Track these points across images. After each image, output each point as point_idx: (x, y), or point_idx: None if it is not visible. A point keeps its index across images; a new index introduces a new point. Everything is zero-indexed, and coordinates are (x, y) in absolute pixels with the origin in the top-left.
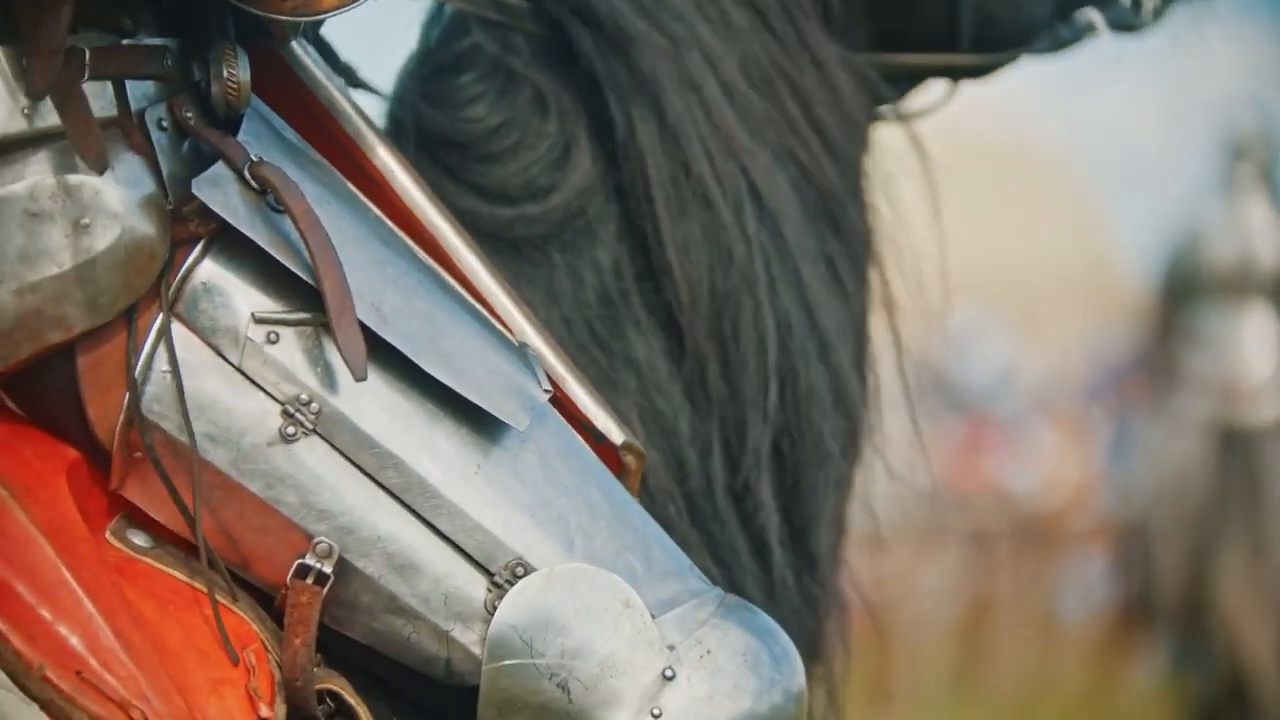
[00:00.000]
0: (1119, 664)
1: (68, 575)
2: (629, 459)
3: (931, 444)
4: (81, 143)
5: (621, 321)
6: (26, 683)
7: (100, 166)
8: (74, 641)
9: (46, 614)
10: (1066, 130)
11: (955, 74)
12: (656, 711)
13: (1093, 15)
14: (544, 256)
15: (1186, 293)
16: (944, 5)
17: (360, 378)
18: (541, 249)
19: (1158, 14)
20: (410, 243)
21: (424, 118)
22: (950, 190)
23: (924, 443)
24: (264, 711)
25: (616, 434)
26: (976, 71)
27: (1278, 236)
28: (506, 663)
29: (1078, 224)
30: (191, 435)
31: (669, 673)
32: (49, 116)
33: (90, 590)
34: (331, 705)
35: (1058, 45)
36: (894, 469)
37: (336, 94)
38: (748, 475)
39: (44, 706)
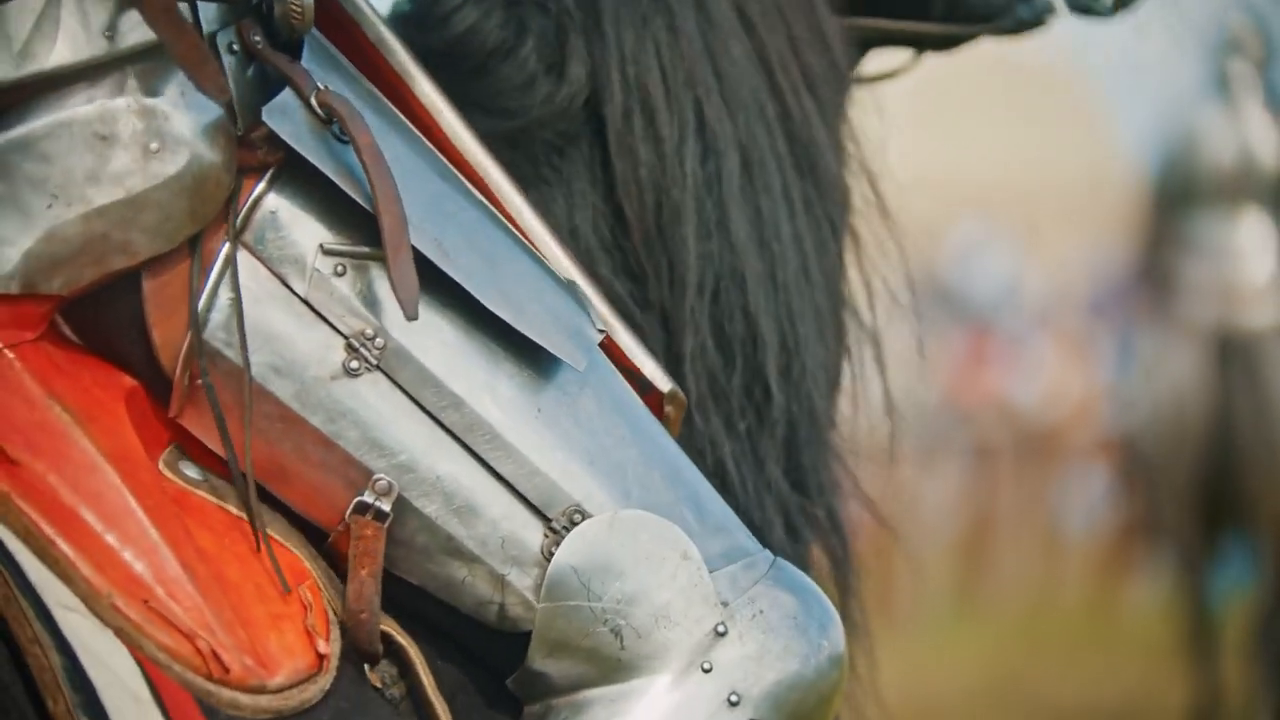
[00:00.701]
0: (1121, 579)
1: (133, 503)
2: (670, 409)
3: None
4: (198, 71)
5: (594, 254)
6: (96, 608)
7: (221, 93)
8: (140, 570)
9: (113, 542)
10: (1064, 39)
11: (920, 43)
12: (707, 666)
13: None
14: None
15: (1183, 199)
16: None
17: (411, 316)
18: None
19: (1121, 2)
20: (462, 179)
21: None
22: (951, 107)
23: (927, 358)
24: (322, 648)
25: (663, 381)
26: (941, 43)
27: (1274, 139)
28: (562, 603)
29: (1079, 138)
30: (247, 364)
31: (721, 629)
32: (129, 37)
33: (155, 519)
34: (381, 645)
35: (1018, 26)
36: (896, 385)
37: (383, 27)
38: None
39: (115, 634)
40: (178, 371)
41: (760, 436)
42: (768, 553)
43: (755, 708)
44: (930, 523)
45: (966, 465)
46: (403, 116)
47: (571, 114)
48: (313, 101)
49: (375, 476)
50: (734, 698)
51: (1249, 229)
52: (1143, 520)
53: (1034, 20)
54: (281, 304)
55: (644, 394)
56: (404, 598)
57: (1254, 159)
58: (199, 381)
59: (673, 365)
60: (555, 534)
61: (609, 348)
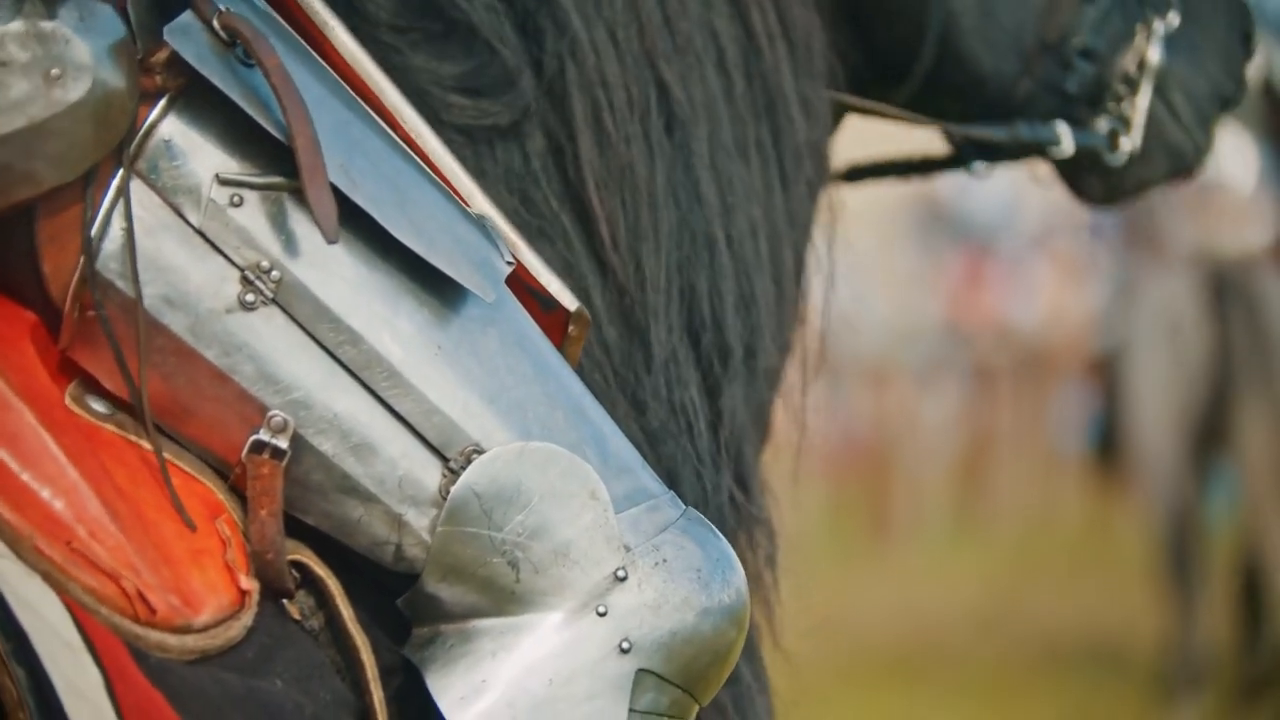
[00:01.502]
0: (1117, 501)
1: (49, 441)
2: (574, 328)
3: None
4: None
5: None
6: (19, 551)
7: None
8: (60, 510)
9: (31, 481)
10: None
11: (903, 168)
12: (602, 609)
13: (1062, 130)
14: (469, 141)
15: None
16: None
17: (332, 240)
18: (468, 133)
19: (1131, 160)
20: (369, 109)
21: None
22: None
23: (926, 279)
24: (244, 583)
25: (569, 299)
26: (926, 167)
27: (1255, 60)
28: (461, 529)
29: None
30: (139, 295)
31: (621, 573)
32: None
33: (72, 457)
34: (298, 576)
35: (1013, 140)
36: (896, 306)
37: None
38: (669, 382)
39: (43, 578)
40: (68, 304)
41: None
42: (675, 496)
43: (647, 657)
44: (929, 442)
45: (965, 386)
46: (310, 50)
47: (522, 97)
48: (215, 24)
49: (271, 413)
50: (625, 645)
51: (1231, 150)
52: (1130, 444)
53: (1032, 144)
54: (175, 235)
55: (549, 312)
56: (311, 528)
57: None
58: (90, 314)
59: (646, 364)
60: (453, 474)
61: (515, 269)
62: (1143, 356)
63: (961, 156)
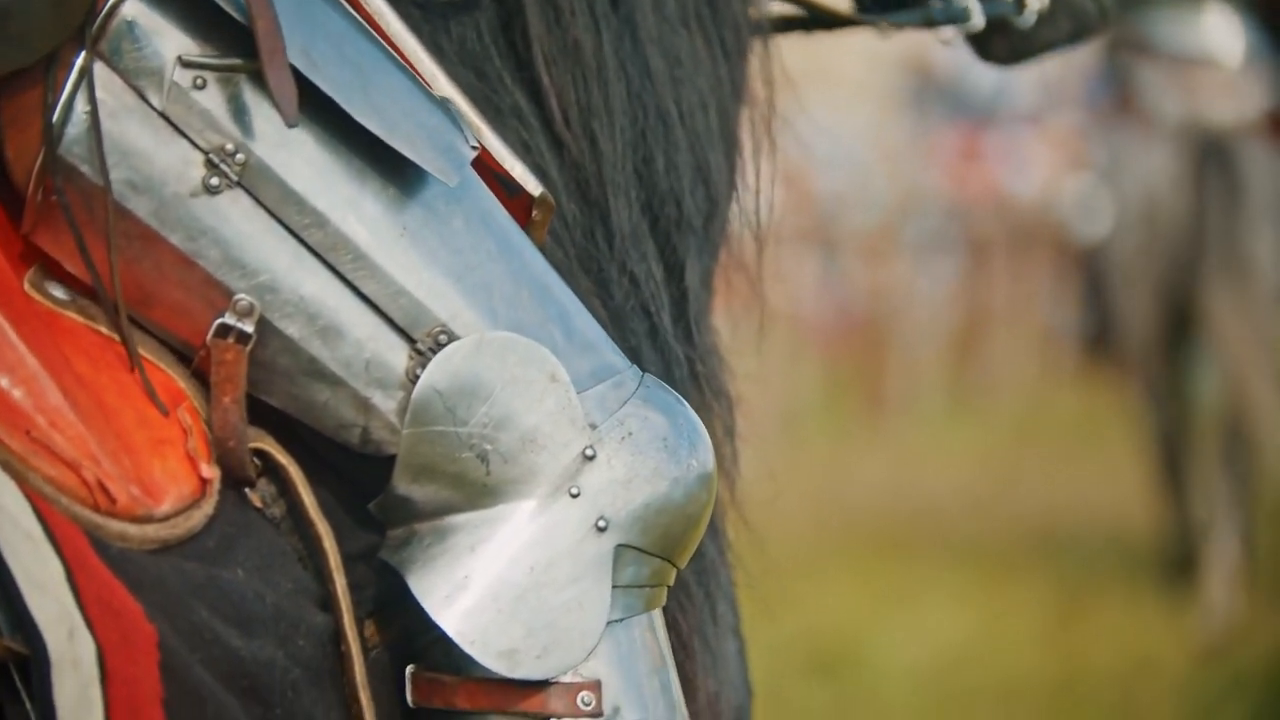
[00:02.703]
0: (1111, 382)
1: (8, 329)
2: (538, 213)
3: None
4: None
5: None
6: None
7: None
8: (19, 398)
9: None
10: None
11: (811, 23)
12: (574, 491)
13: (972, 4)
14: (425, 16)
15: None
16: None
17: (291, 123)
18: (425, 7)
19: (1040, 19)
20: None
21: None
22: None
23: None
24: (205, 472)
25: (533, 185)
26: (833, 23)
27: None
28: (427, 428)
29: None
30: (107, 180)
31: (589, 452)
32: None
33: (32, 345)
34: (259, 464)
35: (925, 20)
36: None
37: None
38: (630, 257)
39: (2, 468)
40: (31, 187)
41: (679, 299)
42: (636, 369)
43: (624, 533)
44: (925, 317)
45: (961, 259)
46: None
47: None
48: None
49: (236, 297)
50: (601, 523)
51: (1213, 22)
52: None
53: (944, 20)
54: (138, 118)
55: (512, 197)
56: (273, 416)
57: None
58: (53, 199)
59: (607, 240)
60: (420, 355)
61: (479, 153)
62: (1123, 237)
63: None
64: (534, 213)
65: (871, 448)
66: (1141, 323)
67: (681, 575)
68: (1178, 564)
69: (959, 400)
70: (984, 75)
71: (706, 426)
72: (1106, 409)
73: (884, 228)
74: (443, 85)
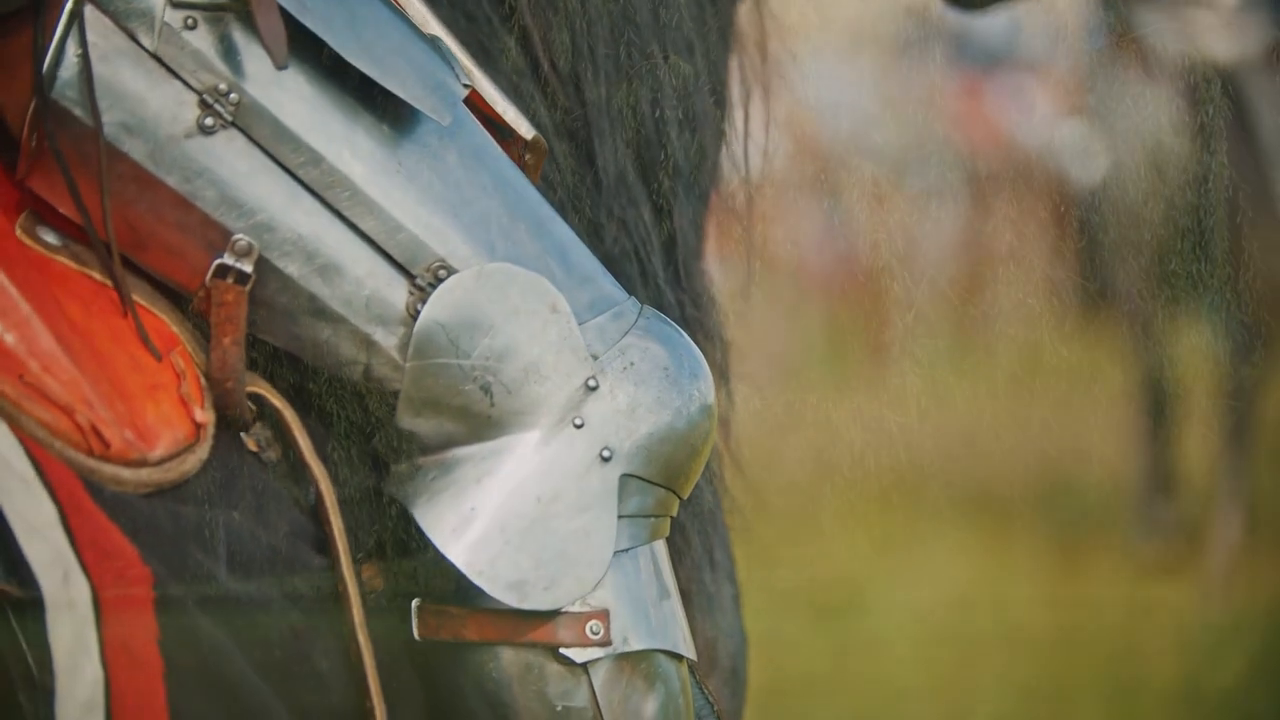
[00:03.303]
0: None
1: (0, 275)
2: (530, 157)
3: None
4: None
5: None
6: None
7: None
8: (12, 343)
9: None
10: None
11: None
12: (578, 421)
13: None
14: None
15: None
16: None
17: (281, 65)
18: None
19: None
20: None
21: None
22: None
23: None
24: (199, 416)
25: (526, 128)
26: None
27: None
28: (430, 361)
29: None
30: (99, 123)
31: (592, 383)
32: None
33: (24, 290)
34: (254, 408)
35: None
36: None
37: None
38: (620, 201)
39: None
40: (24, 132)
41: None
42: (634, 300)
43: (628, 462)
44: (927, 262)
45: (965, 204)
46: None
47: None
48: None
49: (234, 237)
50: (606, 453)
51: None
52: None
53: None
54: (130, 60)
55: (505, 141)
56: (263, 362)
57: None
58: (46, 143)
59: (595, 184)
60: (420, 291)
61: (470, 97)
62: (1123, 184)
63: None
64: (526, 156)
65: (872, 394)
66: (1129, 271)
67: (678, 520)
68: (1156, 507)
69: (961, 347)
70: (988, 21)
71: None
72: (1109, 357)
73: (887, 175)
74: (434, 26)
